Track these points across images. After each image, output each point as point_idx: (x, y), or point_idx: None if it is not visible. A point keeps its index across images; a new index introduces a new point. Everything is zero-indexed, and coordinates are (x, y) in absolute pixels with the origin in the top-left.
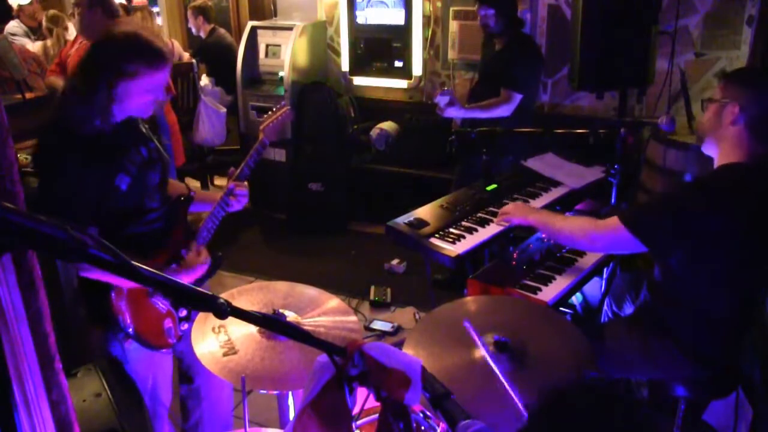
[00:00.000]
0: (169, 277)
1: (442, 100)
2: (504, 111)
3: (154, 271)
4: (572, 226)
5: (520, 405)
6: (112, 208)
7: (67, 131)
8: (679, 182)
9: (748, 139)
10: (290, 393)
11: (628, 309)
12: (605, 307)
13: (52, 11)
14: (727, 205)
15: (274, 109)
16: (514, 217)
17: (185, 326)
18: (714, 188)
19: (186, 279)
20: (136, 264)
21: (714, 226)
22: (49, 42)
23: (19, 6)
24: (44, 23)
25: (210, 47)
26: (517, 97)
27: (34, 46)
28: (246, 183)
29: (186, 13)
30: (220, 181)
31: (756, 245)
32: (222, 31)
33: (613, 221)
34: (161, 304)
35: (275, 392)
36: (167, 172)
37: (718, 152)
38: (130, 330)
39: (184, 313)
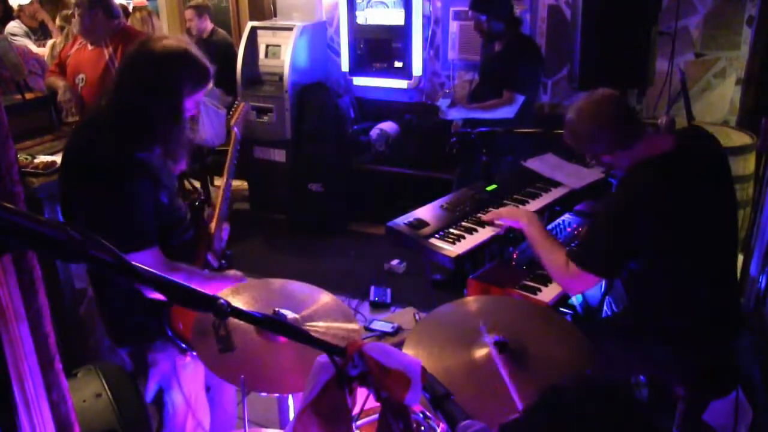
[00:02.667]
0: (167, 277)
1: (443, 103)
2: (507, 113)
3: (153, 271)
4: (549, 257)
5: (520, 406)
6: (159, 222)
7: (128, 157)
8: (604, 203)
9: (630, 151)
10: (290, 394)
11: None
12: (605, 307)
13: (66, 11)
14: (648, 197)
15: (236, 105)
16: (506, 216)
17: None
18: (633, 183)
19: (227, 285)
20: (135, 264)
21: (650, 224)
22: (58, 40)
23: (20, 6)
24: (57, 21)
25: (213, 47)
26: (520, 99)
27: (45, 47)
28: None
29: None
30: (219, 182)
31: (700, 223)
32: (221, 31)
33: (573, 269)
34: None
35: (275, 395)
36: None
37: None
38: (185, 345)
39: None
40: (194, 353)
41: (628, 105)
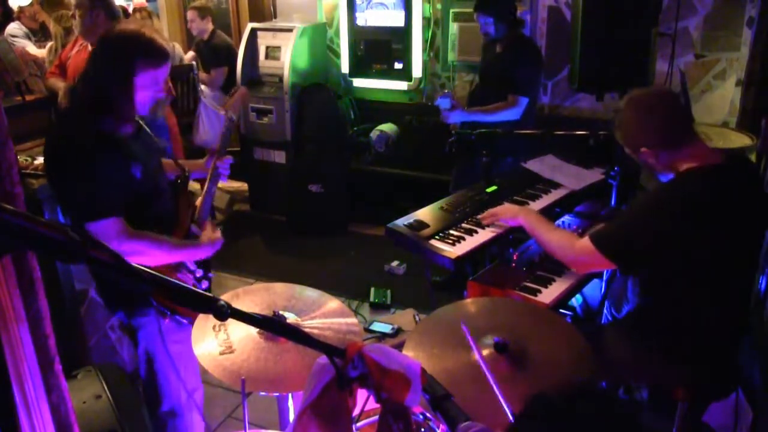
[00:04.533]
0: (167, 277)
1: (443, 103)
2: (512, 115)
3: (152, 272)
4: (553, 240)
5: (508, 411)
6: (133, 195)
7: (90, 129)
8: (643, 196)
9: (675, 153)
10: (290, 395)
11: (626, 312)
12: (605, 310)
13: (61, 10)
14: (693, 204)
15: (232, 91)
16: (503, 216)
17: (205, 285)
18: (677, 192)
19: (208, 252)
20: (135, 265)
21: (684, 230)
22: (52, 44)
23: (20, 8)
24: (52, 25)
25: (214, 49)
26: (524, 101)
27: (45, 48)
28: (228, 155)
29: (185, 14)
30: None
31: (730, 243)
32: (222, 33)
33: (586, 243)
34: (189, 269)
35: (275, 394)
36: (161, 154)
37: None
38: (167, 310)
39: (200, 273)
40: (178, 316)
41: (682, 105)
